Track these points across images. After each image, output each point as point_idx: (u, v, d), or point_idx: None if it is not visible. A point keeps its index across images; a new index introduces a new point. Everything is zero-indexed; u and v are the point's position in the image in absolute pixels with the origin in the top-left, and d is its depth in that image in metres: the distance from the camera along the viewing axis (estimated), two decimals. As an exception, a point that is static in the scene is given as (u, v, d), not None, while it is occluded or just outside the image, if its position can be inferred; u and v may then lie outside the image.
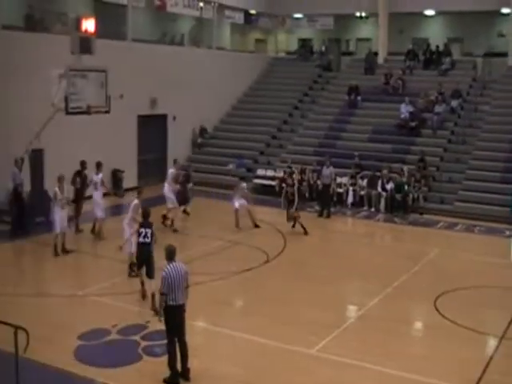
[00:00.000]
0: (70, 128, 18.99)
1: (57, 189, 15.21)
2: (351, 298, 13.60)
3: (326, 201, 20.47)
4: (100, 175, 16.94)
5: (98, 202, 16.68)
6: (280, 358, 9.95)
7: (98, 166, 17.02)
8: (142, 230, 12.12)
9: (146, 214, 12.30)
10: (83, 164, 17.32)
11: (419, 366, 9.82)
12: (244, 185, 18.79)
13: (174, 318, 8.97)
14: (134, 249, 12.79)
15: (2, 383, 8.61)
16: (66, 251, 15.31)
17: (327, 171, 20.62)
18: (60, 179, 15.29)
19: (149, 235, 12.07)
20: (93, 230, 16.86)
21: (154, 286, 11.75)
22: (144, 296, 12.26)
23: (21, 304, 11.89)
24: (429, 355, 10.30)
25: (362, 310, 12.25)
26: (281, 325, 11.29)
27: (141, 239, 12.10)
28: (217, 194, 22.71)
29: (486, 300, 13.02)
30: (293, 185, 18.36)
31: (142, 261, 12.19)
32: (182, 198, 18.44)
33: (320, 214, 20.19)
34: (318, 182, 21.46)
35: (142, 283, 12.29)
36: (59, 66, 16.32)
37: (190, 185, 19.09)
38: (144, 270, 12.23)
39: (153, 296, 11.63)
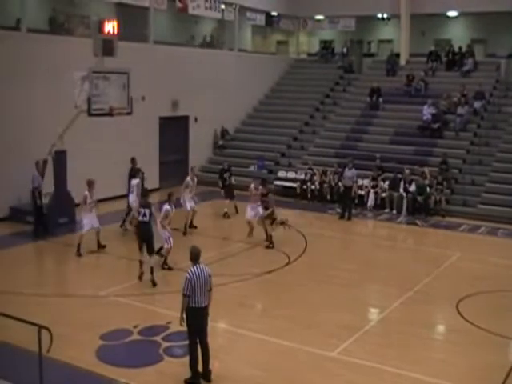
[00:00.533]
0: (92, 129, 19.17)
1: (87, 193, 15.39)
2: (372, 300, 13.52)
3: (348, 203, 20.31)
4: (137, 180, 17.09)
5: (133, 206, 16.74)
6: (300, 361, 9.94)
7: (138, 170, 17.40)
8: (141, 209, 13.44)
9: (144, 193, 13.89)
10: (133, 161, 17.84)
11: (440, 370, 9.74)
12: (252, 186, 17.52)
13: (196, 320, 8.97)
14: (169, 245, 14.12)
15: (27, 381, 8.71)
16: (102, 246, 15.79)
17: (349, 173, 20.44)
18: (90, 183, 15.47)
19: (147, 214, 13.26)
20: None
21: (153, 261, 13.42)
22: (141, 277, 13.33)
23: (44, 304, 12.02)
24: (450, 359, 10.22)
25: (383, 313, 12.18)
26: (301, 327, 11.28)
27: (140, 218, 13.39)
28: (237, 195, 22.70)
29: (509, 304, 12.86)
30: (266, 194, 16.93)
31: (142, 239, 13.30)
32: (228, 194, 20.10)
33: (341, 217, 20.10)
34: (340, 184, 21.39)
35: (141, 263, 13.33)
36: (82, 68, 16.51)
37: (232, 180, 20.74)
38: (144, 248, 13.35)
39: (151, 270, 13.22)
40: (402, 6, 29.07)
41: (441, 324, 12.45)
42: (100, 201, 18.27)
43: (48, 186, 17.64)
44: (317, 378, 9.37)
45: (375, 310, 12.79)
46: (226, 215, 19.72)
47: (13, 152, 18.06)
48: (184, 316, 8.99)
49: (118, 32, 16.97)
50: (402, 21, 29.52)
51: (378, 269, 15.34)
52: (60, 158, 17.75)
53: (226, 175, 20.53)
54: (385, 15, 31.89)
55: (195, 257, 9.11)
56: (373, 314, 12.54)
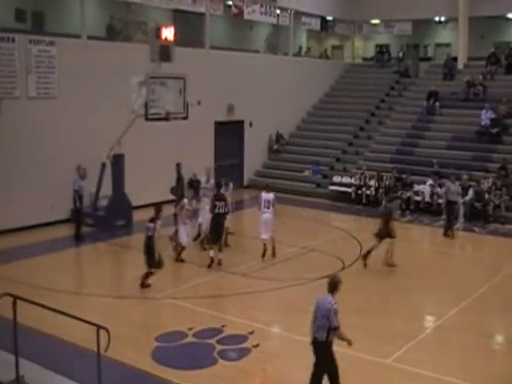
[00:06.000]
0: (149, 134, 19.48)
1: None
2: (428, 308, 13.28)
3: (451, 218, 18.90)
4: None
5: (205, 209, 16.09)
6: (355, 367, 9.81)
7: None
8: (217, 202, 14.42)
9: (218, 184, 14.91)
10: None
11: (497, 381, 9.49)
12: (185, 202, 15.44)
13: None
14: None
15: (85, 380, 8.90)
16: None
17: (454, 187, 19.00)
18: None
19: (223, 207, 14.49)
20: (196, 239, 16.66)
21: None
22: (211, 265, 14.38)
23: (102, 304, 12.27)
24: (508, 370, 9.95)
25: (438, 321, 11.95)
26: (356, 333, 11.11)
27: (216, 210, 14.44)
28: (292, 200, 22.69)
29: None
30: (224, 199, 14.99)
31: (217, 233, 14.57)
32: None
33: (445, 233, 18.72)
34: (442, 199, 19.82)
35: (212, 259, 14.39)
36: (139, 73, 16.82)
37: None
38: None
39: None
40: (459, 9, 28.55)
41: (499, 333, 12.13)
42: (154, 204, 18.56)
43: (106, 189, 18.06)
44: (371, 385, 9.27)
45: (431, 317, 12.55)
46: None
47: (75, 155, 18.22)
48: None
49: (175, 38, 17.22)
50: (460, 24, 28.97)
51: (433, 275, 15.05)
52: (118, 162, 18.09)
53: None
54: (442, 18, 31.40)
55: (334, 287, 8.67)
56: (429, 322, 12.32)
